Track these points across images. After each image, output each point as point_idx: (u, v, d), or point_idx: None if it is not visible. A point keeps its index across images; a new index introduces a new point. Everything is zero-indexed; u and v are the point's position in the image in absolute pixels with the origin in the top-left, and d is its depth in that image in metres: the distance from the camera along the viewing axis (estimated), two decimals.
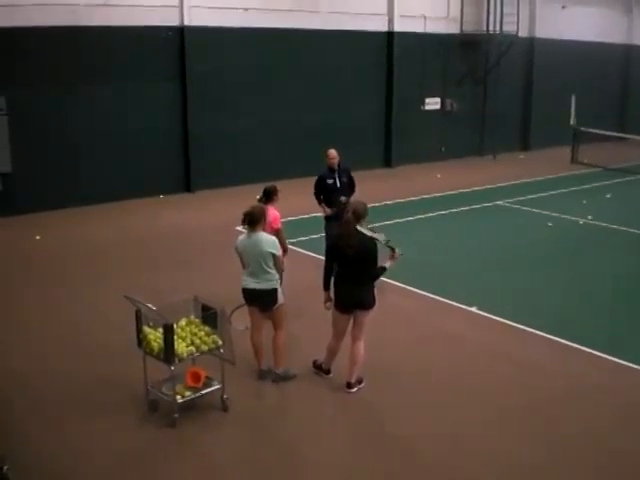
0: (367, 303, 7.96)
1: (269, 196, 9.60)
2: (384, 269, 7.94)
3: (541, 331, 9.82)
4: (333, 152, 11.64)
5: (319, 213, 11.91)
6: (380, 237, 7.90)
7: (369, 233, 7.81)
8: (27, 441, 7.09)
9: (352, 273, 7.86)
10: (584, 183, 21.28)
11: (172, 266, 12.82)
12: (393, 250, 8.00)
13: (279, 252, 8.13)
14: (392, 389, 8.23)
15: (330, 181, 11.51)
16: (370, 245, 7.80)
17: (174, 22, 18.43)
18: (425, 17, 23.65)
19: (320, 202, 11.71)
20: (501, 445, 7.12)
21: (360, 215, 7.85)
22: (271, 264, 8.01)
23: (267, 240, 8.02)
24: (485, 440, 7.21)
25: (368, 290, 7.95)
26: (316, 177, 11.78)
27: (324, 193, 11.60)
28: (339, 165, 11.61)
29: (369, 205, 8.12)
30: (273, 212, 9.35)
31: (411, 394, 8.12)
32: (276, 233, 8.82)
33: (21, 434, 7.20)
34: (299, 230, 14.25)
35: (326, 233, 11.47)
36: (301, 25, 20.59)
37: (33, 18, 15.89)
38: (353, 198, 10.33)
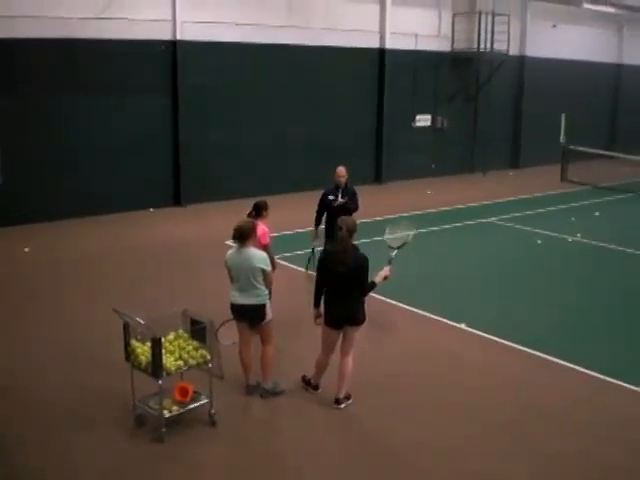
0: (358, 319, 7.95)
1: (259, 211, 9.60)
2: (374, 285, 7.96)
3: (529, 348, 9.81)
4: (342, 170, 11.47)
5: (310, 227, 11.84)
6: (396, 243, 8.05)
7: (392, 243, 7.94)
8: (10, 455, 7.02)
9: (343, 289, 7.84)
10: (573, 201, 21.39)
11: (161, 280, 12.79)
12: (390, 263, 8.06)
13: (269, 268, 8.11)
14: (380, 405, 8.21)
15: (332, 197, 11.42)
16: (363, 261, 7.81)
17: (167, 36, 18.50)
18: (416, 35, 23.80)
19: (317, 225, 11.56)
20: (484, 460, 7.11)
21: (353, 230, 7.87)
22: (260, 279, 7.99)
23: (257, 255, 8.01)
24: (469, 455, 7.19)
25: (359, 306, 7.95)
26: (310, 192, 11.75)
27: (326, 210, 11.46)
28: (346, 185, 11.48)
29: (359, 221, 8.16)
30: (262, 227, 9.34)
31: (399, 409, 8.10)
32: (264, 248, 8.80)
33: (3, 449, 7.13)
34: (290, 245, 14.24)
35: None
36: (293, 41, 20.70)
37: (25, 30, 15.91)
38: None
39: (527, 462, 7.08)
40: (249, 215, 9.44)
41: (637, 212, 20.51)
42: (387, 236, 8.41)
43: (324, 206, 11.54)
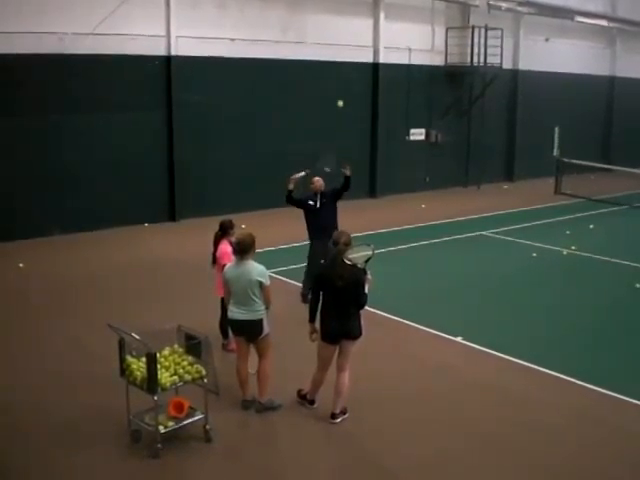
0: (354, 333, 7.93)
1: (225, 230, 9.62)
2: (366, 295, 7.95)
3: (525, 361, 9.80)
4: (317, 179, 12.23)
5: (305, 241, 11.89)
6: (360, 260, 7.91)
7: (350, 261, 7.82)
8: (7, 472, 6.97)
9: (341, 303, 7.83)
10: (567, 214, 21.41)
11: (156, 295, 12.76)
12: (365, 272, 8.01)
13: (268, 282, 8.06)
14: (376, 420, 8.18)
15: (311, 202, 12.01)
16: (359, 274, 7.80)
17: (161, 52, 18.52)
18: (410, 49, 23.89)
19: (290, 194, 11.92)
20: (484, 476, 7.07)
21: (349, 244, 7.87)
22: (258, 293, 7.95)
23: (256, 269, 7.98)
24: (467, 471, 7.15)
25: (355, 319, 7.93)
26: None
27: (305, 212, 12.06)
28: (322, 190, 12.11)
29: (353, 235, 8.16)
30: (225, 248, 9.33)
31: (394, 425, 8.07)
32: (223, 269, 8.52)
33: (1, 467, 7.08)
34: (281, 259, 14.23)
35: (310, 255, 11.71)
36: (287, 56, 20.75)
37: (18, 45, 15.86)
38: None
39: (527, 478, 7.05)
40: (216, 235, 9.56)
41: (631, 224, 20.56)
42: (352, 255, 8.20)
43: (300, 203, 12.07)
